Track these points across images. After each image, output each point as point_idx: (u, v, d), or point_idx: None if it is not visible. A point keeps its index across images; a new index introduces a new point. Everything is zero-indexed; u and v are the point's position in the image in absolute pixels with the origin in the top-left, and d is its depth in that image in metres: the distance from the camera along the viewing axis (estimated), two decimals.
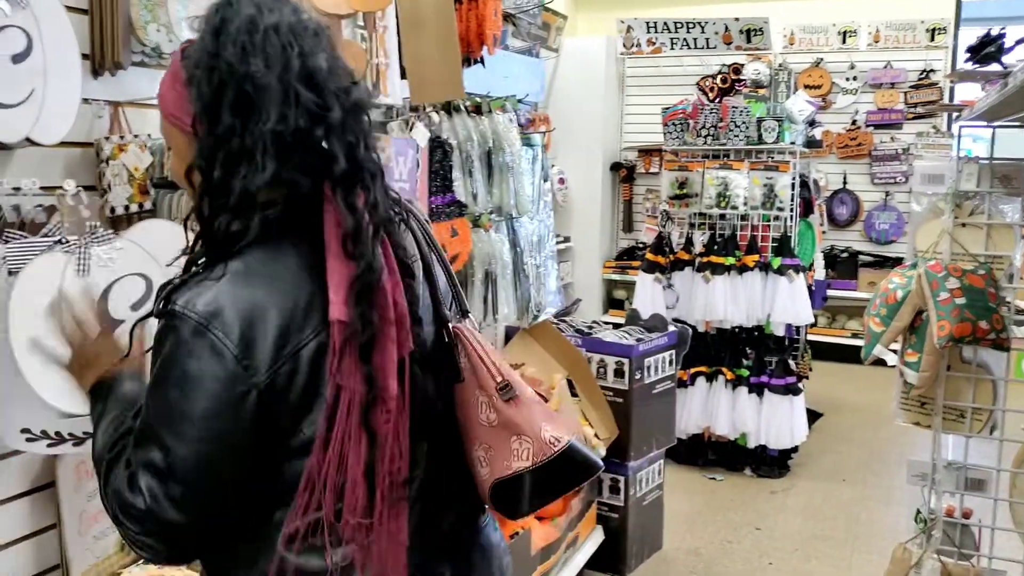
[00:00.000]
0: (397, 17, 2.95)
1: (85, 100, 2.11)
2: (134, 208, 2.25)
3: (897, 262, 6.18)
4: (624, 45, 7.66)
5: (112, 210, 2.19)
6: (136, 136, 2.26)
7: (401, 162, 3.02)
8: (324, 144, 1.18)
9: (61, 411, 1.61)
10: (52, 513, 2.14)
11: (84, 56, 2.10)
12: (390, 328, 1.17)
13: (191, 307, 1.14)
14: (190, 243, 1.24)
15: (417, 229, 1.39)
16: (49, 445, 1.90)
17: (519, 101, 4.62)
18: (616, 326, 4.07)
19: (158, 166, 2.29)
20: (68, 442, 1.93)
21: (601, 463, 1.38)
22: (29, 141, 1.92)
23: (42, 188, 1.99)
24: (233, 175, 1.15)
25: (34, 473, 2.12)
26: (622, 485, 3.69)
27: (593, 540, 3.63)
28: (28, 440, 1.87)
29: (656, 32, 7.46)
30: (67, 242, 1.88)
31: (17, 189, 1.93)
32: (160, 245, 1.69)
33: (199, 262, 1.21)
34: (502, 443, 1.32)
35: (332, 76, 1.20)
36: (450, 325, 1.38)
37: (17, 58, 1.87)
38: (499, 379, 1.32)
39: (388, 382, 1.16)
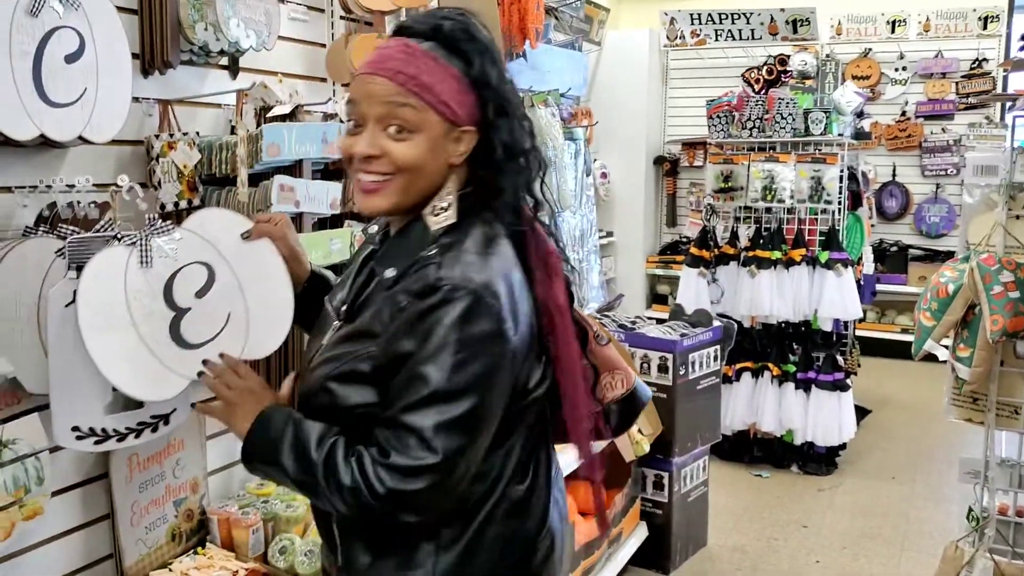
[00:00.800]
0: None
1: (135, 99, 2.15)
2: (183, 204, 2.29)
3: (948, 256, 6.06)
4: (667, 37, 7.59)
5: (162, 207, 2.23)
6: (185, 134, 2.30)
7: None
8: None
9: (134, 397, 1.71)
10: (105, 504, 2.19)
11: (134, 55, 2.13)
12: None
13: (467, 281, 1.26)
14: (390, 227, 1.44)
15: None
16: (96, 443, 1.93)
17: (561, 95, 4.62)
18: (660, 321, 4.04)
19: (206, 163, 2.33)
20: (112, 438, 1.96)
21: (650, 393, 1.65)
22: (82, 139, 1.96)
23: (95, 185, 2.03)
24: (505, 177, 1.37)
25: (87, 465, 2.17)
26: (666, 481, 3.67)
27: (637, 536, 3.62)
28: (78, 438, 1.91)
29: (700, 23, 7.39)
30: (122, 238, 1.91)
31: (71, 186, 1.98)
32: (218, 233, 1.73)
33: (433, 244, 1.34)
34: (600, 378, 1.56)
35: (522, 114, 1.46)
36: None
37: (70, 58, 1.91)
38: (594, 329, 1.55)
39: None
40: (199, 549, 2.35)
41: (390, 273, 1.34)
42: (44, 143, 1.91)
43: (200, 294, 1.70)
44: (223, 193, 2.34)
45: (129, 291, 1.65)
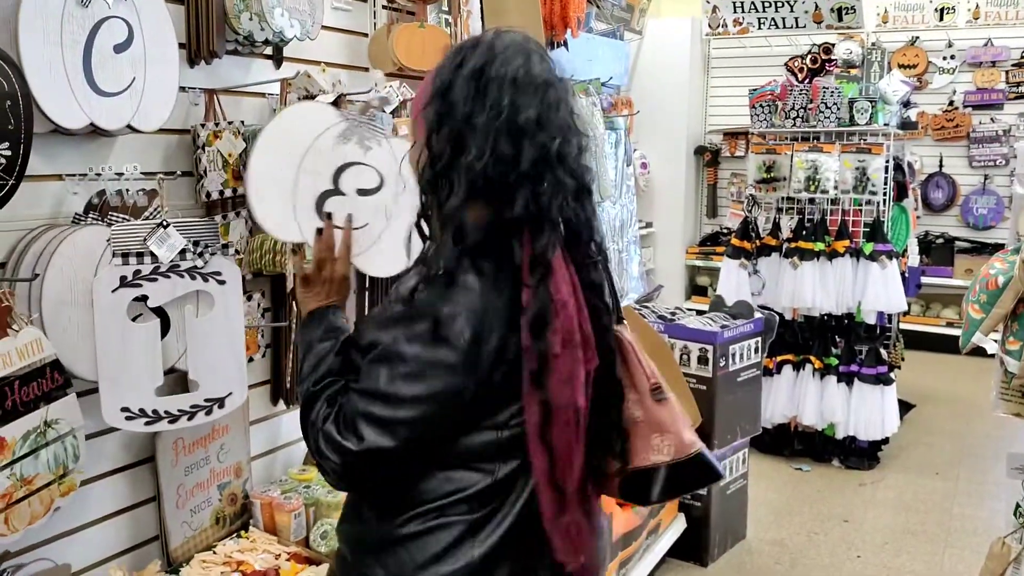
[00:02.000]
0: (481, 2, 2.96)
1: (182, 88, 2.18)
2: (228, 193, 2.32)
3: (996, 248, 5.93)
4: (710, 25, 7.50)
5: (208, 195, 2.26)
6: (230, 123, 2.33)
7: None
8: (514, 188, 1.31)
9: (255, 216, 1.83)
10: (151, 487, 2.24)
11: (181, 45, 2.16)
12: (576, 351, 1.32)
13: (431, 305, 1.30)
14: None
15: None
16: (146, 423, 1.98)
17: (603, 84, 4.59)
18: (699, 313, 4.01)
19: (251, 152, 2.35)
20: (164, 419, 2.01)
21: (722, 472, 1.50)
22: (131, 128, 2.00)
23: (143, 173, 2.07)
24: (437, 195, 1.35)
25: (134, 448, 2.21)
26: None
27: (675, 528, 3.60)
28: (127, 419, 1.95)
29: (743, 12, 7.29)
30: (167, 225, 1.95)
31: (120, 174, 2.01)
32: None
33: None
34: (643, 438, 1.46)
35: (540, 129, 1.31)
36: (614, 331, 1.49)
37: (119, 48, 1.94)
38: (653, 381, 1.47)
39: (576, 399, 1.32)
40: (242, 532, 2.39)
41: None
42: (93, 131, 1.94)
43: (360, 192, 1.81)
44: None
45: (316, 144, 1.81)
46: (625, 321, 1.53)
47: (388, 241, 1.79)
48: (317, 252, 1.55)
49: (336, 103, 2.39)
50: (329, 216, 1.62)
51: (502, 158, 1.29)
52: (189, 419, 2.04)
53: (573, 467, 1.34)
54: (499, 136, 1.29)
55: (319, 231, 1.57)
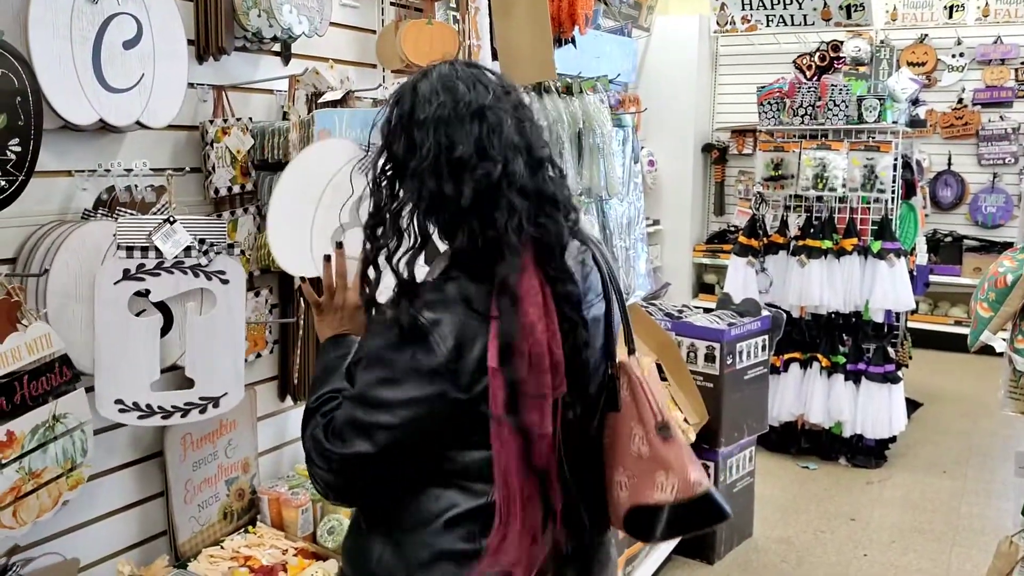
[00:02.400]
0: None
1: (191, 84, 2.18)
2: (236, 189, 2.32)
3: (1004, 247, 5.90)
4: (717, 23, 7.49)
5: (216, 191, 2.26)
6: (239, 119, 2.33)
7: None
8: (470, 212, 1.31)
9: (275, 255, 1.91)
10: (159, 482, 2.24)
11: (189, 42, 2.17)
12: (545, 376, 1.29)
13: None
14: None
15: (603, 267, 1.48)
16: (140, 417, 1.98)
17: (610, 81, 4.58)
18: (707, 310, 4.01)
19: (259, 148, 2.36)
20: (158, 414, 2.01)
21: (730, 512, 1.43)
22: (139, 124, 2.00)
23: (152, 169, 2.07)
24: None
25: (142, 443, 2.22)
26: (711, 471, 3.64)
27: None
28: (121, 411, 1.95)
29: (751, 9, 7.27)
30: (174, 221, 1.96)
31: (129, 170, 2.02)
32: None
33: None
34: (647, 474, 1.41)
35: (482, 158, 1.30)
36: (616, 360, 1.48)
37: (128, 44, 1.94)
38: (660, 418, 1.41)
39: (544, 424, 1.30)
40: (250, 528, 2.39)
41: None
42: (103, 127, 1.95)
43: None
44: (275, 178, 2.37)
45: (335, 180, 1.84)
46: (637, 355, 1.50)
47: None
48: (327, 280, 1.55)
49: (344, 99, 2.40)
50: (339, 245, 1.58)
51: (438, 197, 1.30)
52: (183, 416, 2.04)
53: (553, 488, 1.33)
54: (435, 177, 1.30)
55: (327, 258, 1.56)
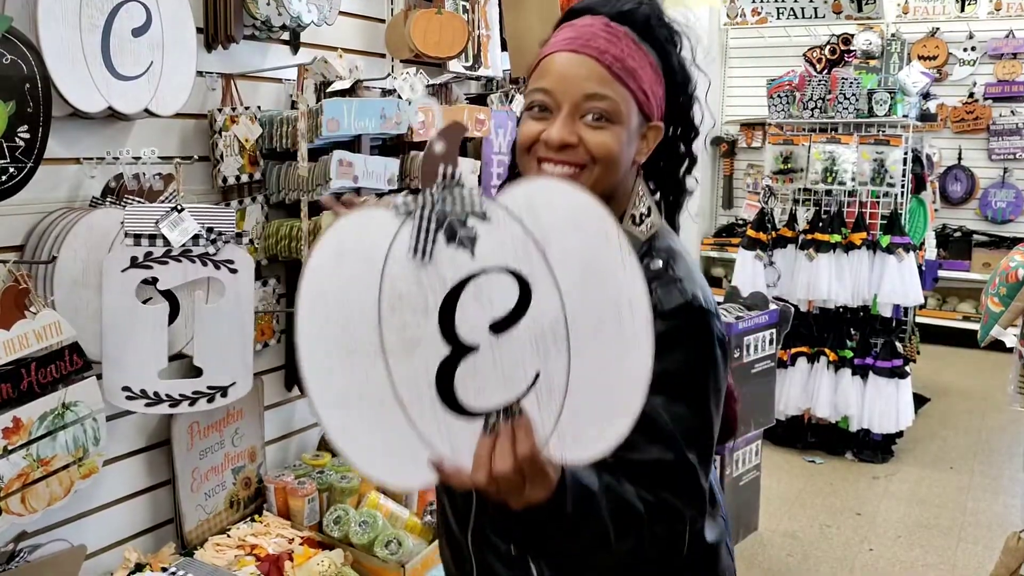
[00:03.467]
0: None
1: (199, 73, 2.18)
2: (244, 179, 2.32)
3: (1015, 242, 5.86)
4: (728, 15, 7.45)
5: (224, 180, 2.26)
6: (247, 108, 2.33)
7: (501, 134, 3.03)
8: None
9: (367, 473, 0.96)
10: (166, 470, 2.25)
11: (198, 30, 2.16)
12: None
13: (708, 302, 1.20)
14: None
15: None
16: (147, 404, 1.99)
17: None
18: None
19: (267, 137, 2.35)
20: (165, 403, 2.02)
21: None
22: (148, 112, 2.00)
23: (160, 157, 2.07)
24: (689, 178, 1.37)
25: (149, 431, 2.23)
26: (718, 465, 3.64)
27: None
28: (128, 398, 1.96)
29: (761, 1, 7.23)
30: (181, 209, 1.96)
31: (137, 158, 2.02)
32: (550, 223, 0.94)
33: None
34: None
35: None
36: None
37: (137, 32, 1.94)
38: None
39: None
40: (256, 516, 2.40)
41: None
42: (111, 115, 1.95)
43: (499, 327, 0.93)
44: (283, 167, 2.37)
45: (385, 292, 0.92)
46: None
47: (589, 368, 0.94)
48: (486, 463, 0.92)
49: (353, 89, 2.39)
50: (510, 412, 0.92)
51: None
52: (191, 404, 2.05)
53: None
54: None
55: (491, 426, 0.92)
